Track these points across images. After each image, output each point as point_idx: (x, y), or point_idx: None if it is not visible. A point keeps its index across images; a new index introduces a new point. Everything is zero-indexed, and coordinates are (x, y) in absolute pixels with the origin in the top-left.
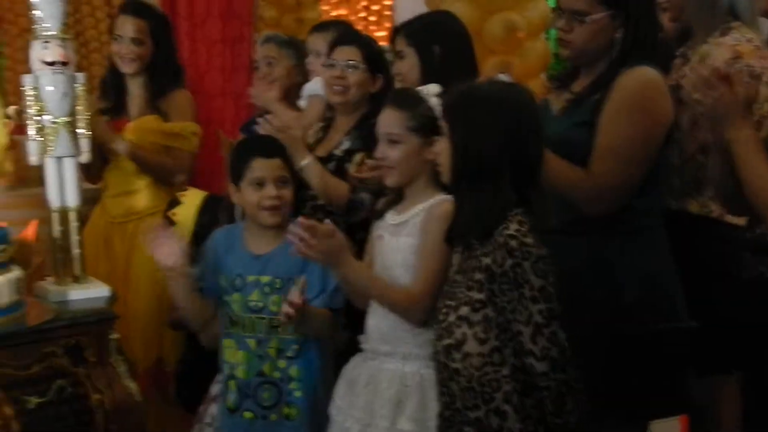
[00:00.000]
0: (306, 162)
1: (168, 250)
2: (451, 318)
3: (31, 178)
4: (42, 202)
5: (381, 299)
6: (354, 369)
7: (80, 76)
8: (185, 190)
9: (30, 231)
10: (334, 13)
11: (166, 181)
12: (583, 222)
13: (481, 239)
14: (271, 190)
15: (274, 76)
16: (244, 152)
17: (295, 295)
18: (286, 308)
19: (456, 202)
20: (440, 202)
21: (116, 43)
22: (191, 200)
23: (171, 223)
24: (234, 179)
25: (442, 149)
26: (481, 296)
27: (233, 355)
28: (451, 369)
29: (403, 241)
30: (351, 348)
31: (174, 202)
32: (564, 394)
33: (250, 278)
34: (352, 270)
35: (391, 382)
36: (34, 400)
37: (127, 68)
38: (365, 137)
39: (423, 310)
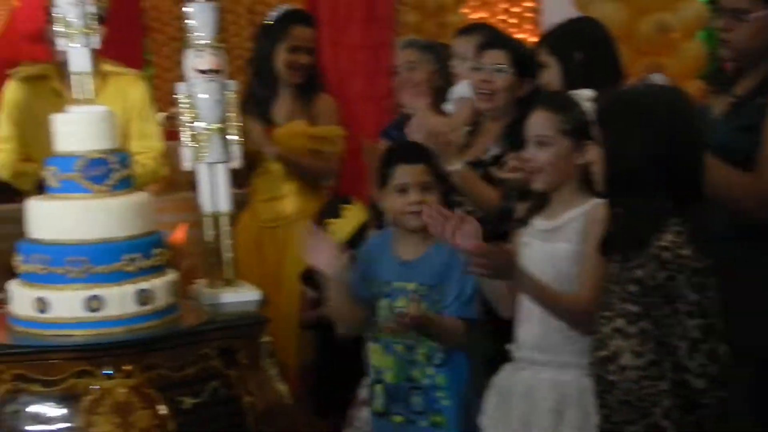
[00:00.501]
0: (456, 167)
1: (326, 257)
2: (606, 329)
3: (179, 182)
4: (191, 205)
5: (552, 307)
6: (507, 379)
7: (232, 84)
8: (348, 201)
9: (179, 234)
10: (474, 16)
11: (315, 184)
12: (753, 229)
13: (635, 250)
14: (414, 195)
15: (415, 81)
16: (388, 159)
17: (413, 308)
18: (401, 318)
19: (610, 210)
20: (598, 206)
21: (288, 53)
22: (353, 217)
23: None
24: (380, 185)
25: (595, 156)
26: (636, 309)
27: (381, 360)
28: (607, 381)
29: (558, 247)
30: (499, 357)
31: (332, 209)
32: (726, 413)
33: (397, 285)
34: (524, 279)
35: (550, 392)
36: (188, 401)
37: (294, 77)
38: (514, 143)
39: (592, 318)
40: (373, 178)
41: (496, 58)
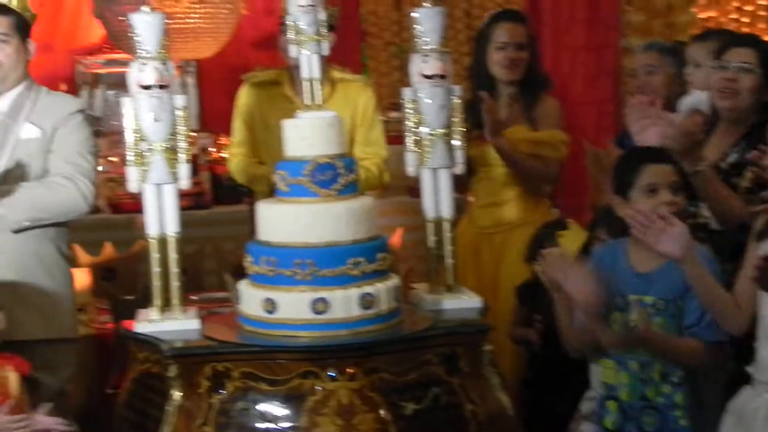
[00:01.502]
0: (701, 167)
1: (581, 286)
2: None
3: (394, 186)
4: (406, 209)
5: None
6: (746, 403)
7: (457, 89)
8: (565, 225)
9: (395, 238)
10: (702, 15)
11: (536, 190)
12: None
13: None
14: (665, 195)
15: (653, 86)
16: (633, 160)
17: (641, 324)
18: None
19: None
20: None
21: (497, 51)
22: (571, 243)
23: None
24: (620, 189)
25: None
26: None
27: (613, 377)
28: None
29: None
30: (738, 378)
31: (547, 236)
32: None
33: (632, 298)
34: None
35: None
36: (410, 407)
37: (510, 75)
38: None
39: None
40: (597, 183)
41: (743, 56)
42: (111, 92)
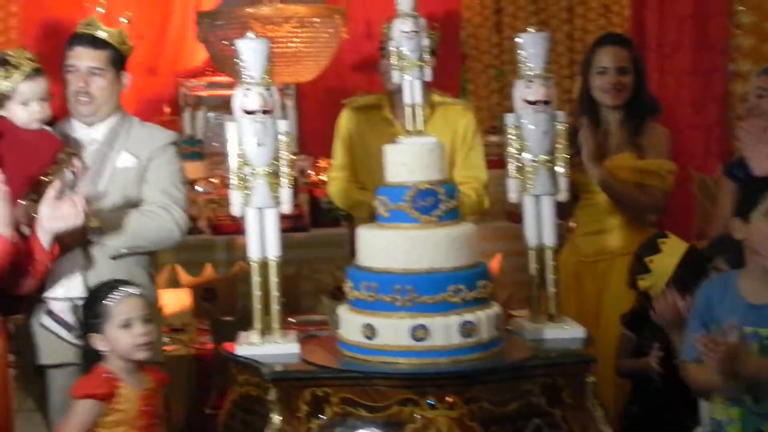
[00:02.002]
0: None
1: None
2: None
3: (493, 211)
4: (505, 235)
5: None
6: None
7: (560, 114)
8: (665, 236)
9: (494, 264)
10: None
11: (639, 218)
12: None
13: None
14: None
15: (762, 108)
16: (760, 184)
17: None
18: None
19: None
20: None
21: (599, 76)
22: (672, 249)
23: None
24: (742, 212)
25: None
26: None
27: (724, 412)
28: None
29: None
30: None
31: (650, 247)
32: None
33: (748, 330)
34: None
35: None
36: None
37: (613, 100)
38: None
39: None
40: (705, 210)
41: None
42: (212, 114)
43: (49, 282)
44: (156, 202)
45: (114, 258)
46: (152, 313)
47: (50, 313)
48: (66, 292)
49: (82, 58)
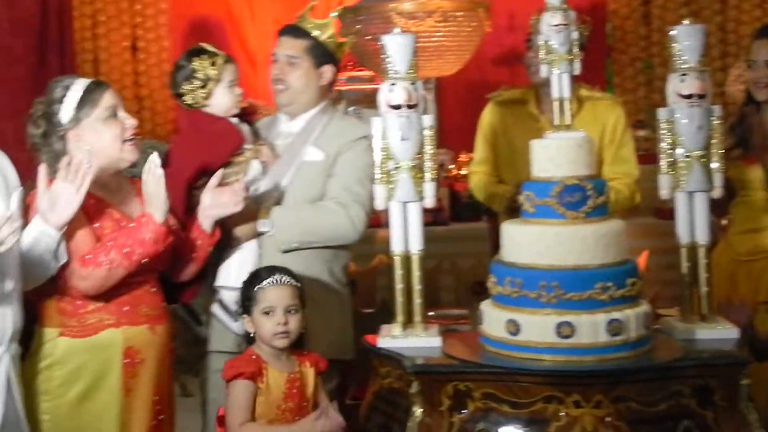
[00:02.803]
0: None
1: None
2: None
3: (641, 207)
4: (653, 231)
5: None
6: None
7: (716, 109)
8: None
9: (641, 261)
10: None
11: None
12: None
13: None
14: None
15: None
16: None
17: None
18: None
19: None
20: None
21: (751, 69)
22: None
23: None
24: None
25: None
26: None
27: None
28: None
29: None
30: None
31: None
32: None
33: None
34: None
35: None
36: None
37: (763, 95)
38: None
39: None
40: None
41: None
42: (351, 108)
43: (223, 272)
44: (336, 197)
45: (285, 252)
46: (298, 304)
47: (220, 302)
48: (236, 281)
49: (282, 47)
